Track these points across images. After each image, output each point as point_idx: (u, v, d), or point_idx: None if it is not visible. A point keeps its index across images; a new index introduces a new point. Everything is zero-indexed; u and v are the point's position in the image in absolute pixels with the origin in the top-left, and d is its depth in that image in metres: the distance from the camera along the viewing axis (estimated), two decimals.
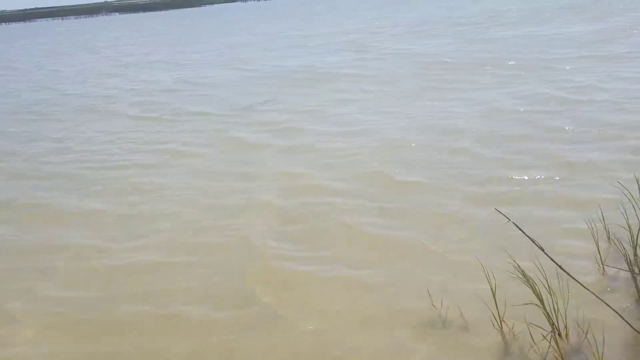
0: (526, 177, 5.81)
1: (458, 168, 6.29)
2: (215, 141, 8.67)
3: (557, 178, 5.71)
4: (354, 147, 7.51)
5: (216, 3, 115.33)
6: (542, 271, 3.29)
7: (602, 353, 2.96)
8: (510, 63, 12.58)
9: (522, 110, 8.56)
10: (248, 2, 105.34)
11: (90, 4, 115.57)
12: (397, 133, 8.01)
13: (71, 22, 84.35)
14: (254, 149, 8.04)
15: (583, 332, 3.21)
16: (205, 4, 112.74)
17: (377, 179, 6.24)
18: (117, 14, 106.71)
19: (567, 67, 11.44)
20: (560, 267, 3.19)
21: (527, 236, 3.19)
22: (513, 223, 3.30)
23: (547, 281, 3.23)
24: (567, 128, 7.36)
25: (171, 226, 5.54)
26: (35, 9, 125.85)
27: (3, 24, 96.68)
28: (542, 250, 3.14)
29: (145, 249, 5.09)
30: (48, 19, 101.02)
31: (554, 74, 11.01)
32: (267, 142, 8.25)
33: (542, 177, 5.78)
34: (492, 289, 3.42)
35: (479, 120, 8.18)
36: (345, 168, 6.74)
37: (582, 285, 3.19)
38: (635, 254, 3.78)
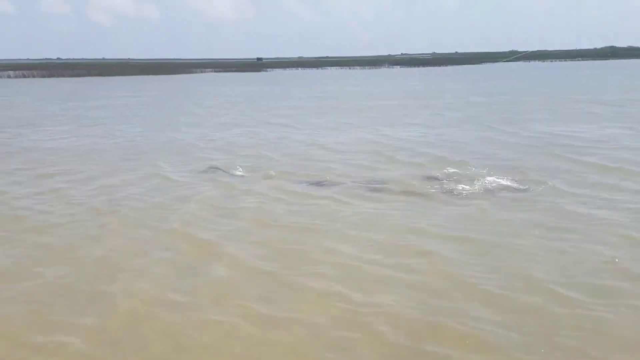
0: None
1: None
2: None
3: None
4: None
5: (498, 61, 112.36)
6: None
7: None
8: None
9: None
10: (520, 63, 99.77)
11: (373, 57, 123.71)
12: None
13: (343, 72, 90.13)
14: None
15: None
16: (485, 61, 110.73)
17: None
18: (399, 67, 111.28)
19: None
20: None
21: None
22: None
23: None
24: None
25: None
26: (327, 57, 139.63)
27: (300, 68, 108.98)
28: None
29: None
30: (337, 67, 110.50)
31: None
32: None
33: None
34: None
35: None
36: None
37: None
38: None
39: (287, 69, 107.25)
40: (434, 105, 27.74)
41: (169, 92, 44.29)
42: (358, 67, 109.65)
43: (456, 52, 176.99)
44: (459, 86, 45.49)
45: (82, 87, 52.36)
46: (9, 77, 71.67)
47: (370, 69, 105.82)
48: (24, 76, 71.85)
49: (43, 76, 72.12)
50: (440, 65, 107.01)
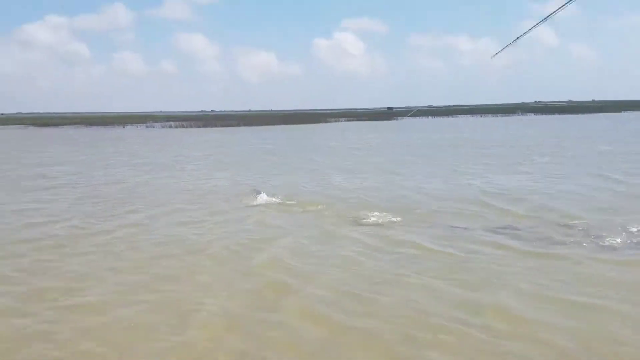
0: None
1: None
2: None
3: None
4: None
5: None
6: None
7: None
8: None
9: None
10: None
11: (505, 105, 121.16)
12: None
13: (480, 120, 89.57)
14: None
15: None
16: (627, 109, 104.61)
17: None
18: (532, 114, 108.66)
19: None
20: None
21: None
22: None
23: None
24: None
25: None
26: (457, 105, 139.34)
27: (430, 117, 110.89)
28: None
29: None
30: (468, 115, 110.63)
31: None
32: None
33: None
34: None
35: None
36: None
37: None
38: None
39: (418, 117, 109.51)
40: (559, 154, 27.56)
41: (296, 140, 48.00)
42: (490, 115, 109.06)
43: (593, 100, 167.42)
44: (591, 134, 44.30)
45: (228, 135, 57.80)
46: (170, 127, 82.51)
47: (502, 116, 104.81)
48: (183, 126, 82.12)
49: (198, 126, 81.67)
50: (577, 113, 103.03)
